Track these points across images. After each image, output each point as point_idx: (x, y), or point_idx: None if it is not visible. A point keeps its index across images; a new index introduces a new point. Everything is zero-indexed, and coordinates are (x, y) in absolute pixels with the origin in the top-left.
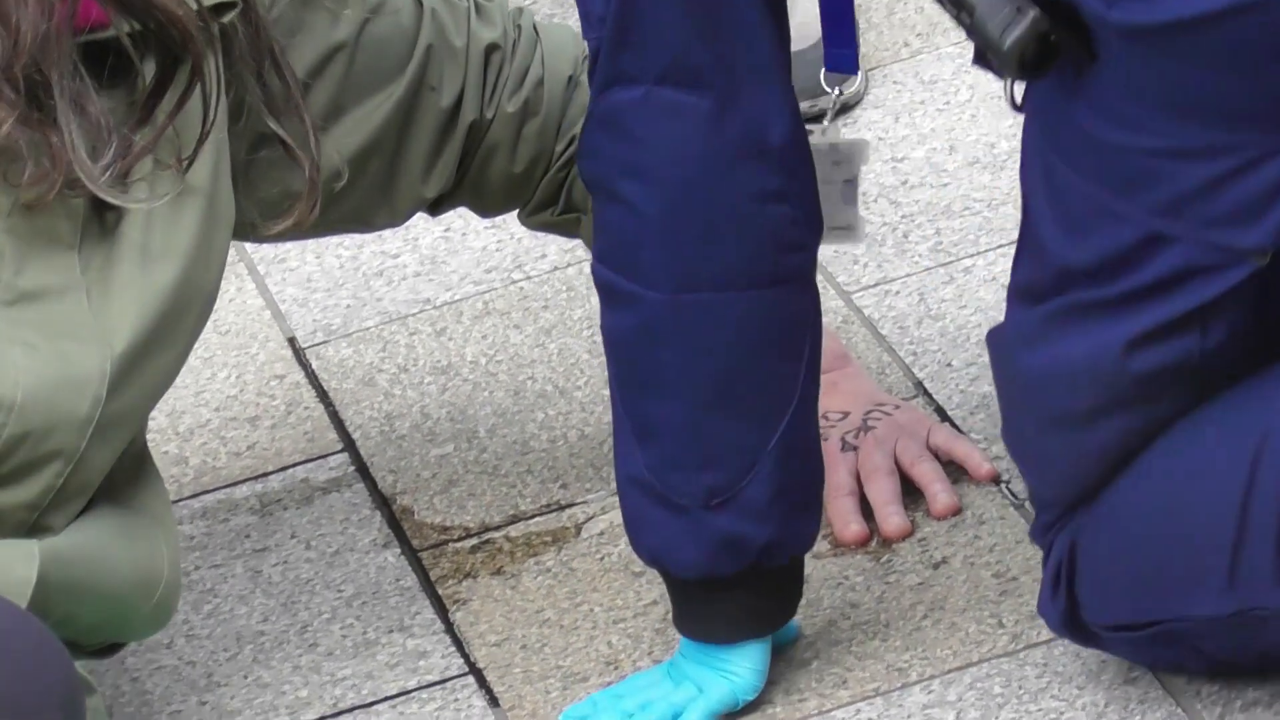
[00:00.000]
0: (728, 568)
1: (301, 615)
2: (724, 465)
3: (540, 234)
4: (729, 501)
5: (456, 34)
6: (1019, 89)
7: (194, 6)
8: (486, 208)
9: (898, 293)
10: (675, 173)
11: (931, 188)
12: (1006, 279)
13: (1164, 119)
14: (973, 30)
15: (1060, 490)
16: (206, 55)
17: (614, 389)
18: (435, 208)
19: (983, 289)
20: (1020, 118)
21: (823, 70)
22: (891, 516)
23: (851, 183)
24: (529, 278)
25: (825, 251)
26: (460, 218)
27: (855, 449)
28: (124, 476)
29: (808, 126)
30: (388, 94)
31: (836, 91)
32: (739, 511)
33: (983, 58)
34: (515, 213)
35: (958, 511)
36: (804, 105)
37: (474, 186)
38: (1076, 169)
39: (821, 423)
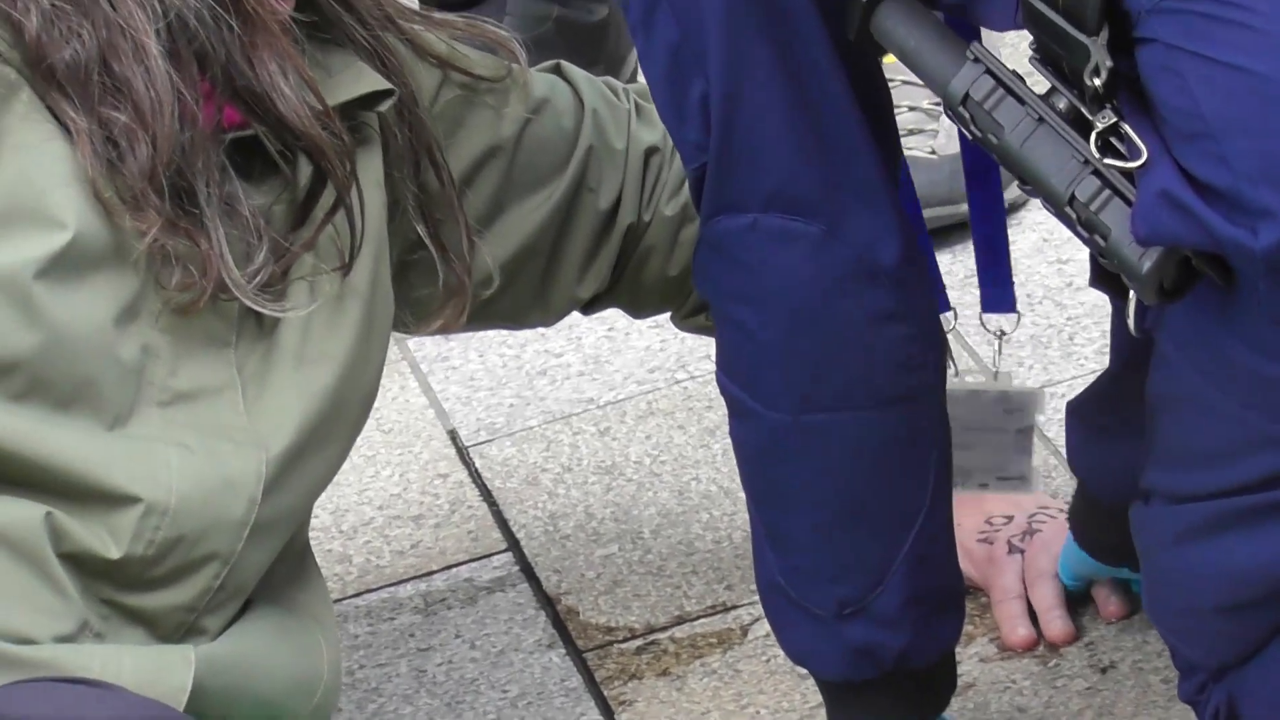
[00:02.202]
0: (867, 673)
1: (466, 716)
2: (853, 578)
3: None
4: (861, 612)
5: (617, 136)
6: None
7: (318, 109)
8: (640, 309)
9: (1063, 395)
10: (787, 299)
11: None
12: None
13: None
14: (1106, 254)
15: (1220, 659)
16: (341, 165)
17: (746, 495)
18: (589, 307)
19: None
20: None
21: (980, 313)
22: (1055, 621)
23: (1025, 432)
24: (693, 377)
25: (991, 352)
26: (623, 317)
27: (1021, 552)
28: (284, 576)
29: (973, 378)
30: (547, 195)
31: (999, 332)
32: (872, 621)
33: (1102, 279)
34: (669, 314)
35: (1127, 615)
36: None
37: (629, 288)
38: (1228, 396)
39: (986, 527)
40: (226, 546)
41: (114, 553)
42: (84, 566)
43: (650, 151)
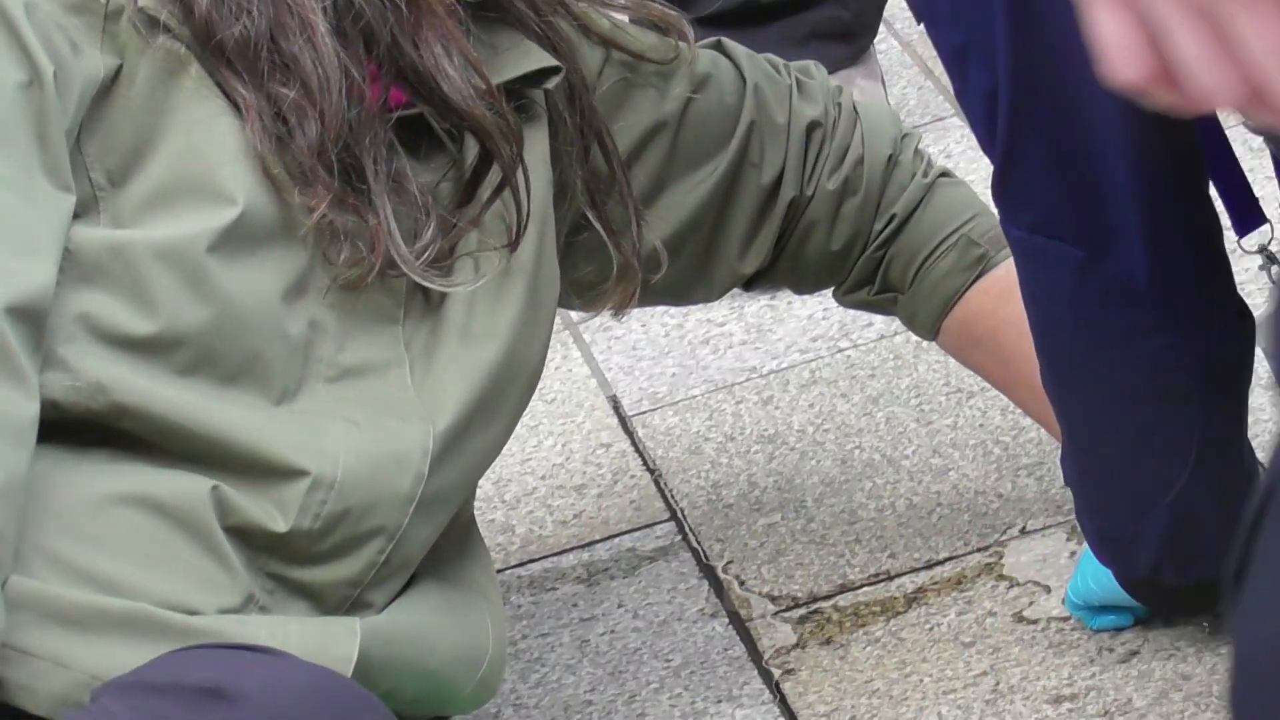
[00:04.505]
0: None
1: (629, 685)
2: (1108, 516)
3: None
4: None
5: (779, 111)
6: None
7: (483, 89)
8: (802, 285)
9: None
10: (1044, 307)
11: None
12: None
13: None
14: None
15: None
16: (506, 145)
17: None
18: (751, 284)
19: None
20: None
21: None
22: None
23: None
24: (855, 346)
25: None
26: None
27: None
28: (449, 551)
29: None
30: (710, 170)
31: (1260, 249)
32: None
33: None
34: (831, 290)
35: None
36: None
37: (791, 263)
38: None
39: None
40: (392, 521)
41: (280, 526)
42: (250, 540)
43: (812, 126)
